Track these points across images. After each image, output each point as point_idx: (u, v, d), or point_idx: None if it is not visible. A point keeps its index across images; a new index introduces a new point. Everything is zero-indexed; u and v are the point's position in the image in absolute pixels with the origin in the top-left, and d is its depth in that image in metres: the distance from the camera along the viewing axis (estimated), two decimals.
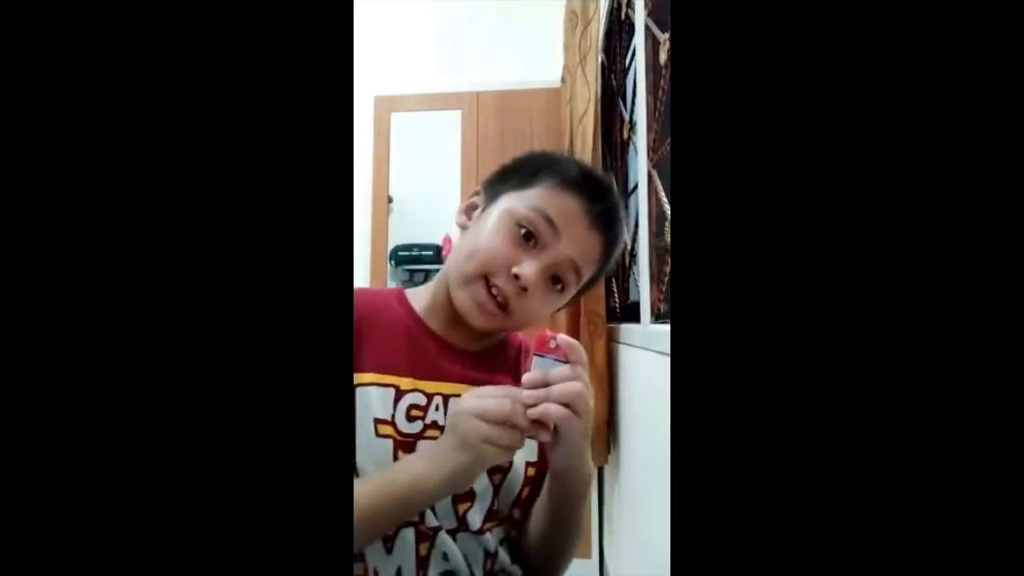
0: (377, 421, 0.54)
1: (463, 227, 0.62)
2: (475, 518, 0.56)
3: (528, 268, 0.54)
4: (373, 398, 0.54)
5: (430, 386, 0.57)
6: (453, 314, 0.59)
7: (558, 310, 0.63)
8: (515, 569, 0.60)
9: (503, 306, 0.55)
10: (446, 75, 2.37)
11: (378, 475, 0.51)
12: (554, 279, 0.57)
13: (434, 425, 0.56)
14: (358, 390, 0.54)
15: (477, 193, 0.63)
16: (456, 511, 0.56)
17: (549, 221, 0.55)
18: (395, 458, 0.53)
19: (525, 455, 0.59)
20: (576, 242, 0.56)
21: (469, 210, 0.62)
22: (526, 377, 0.47)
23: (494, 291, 0.55)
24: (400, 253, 2.32)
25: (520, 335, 0.68)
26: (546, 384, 0.46)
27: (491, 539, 0.58)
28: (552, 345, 0.47)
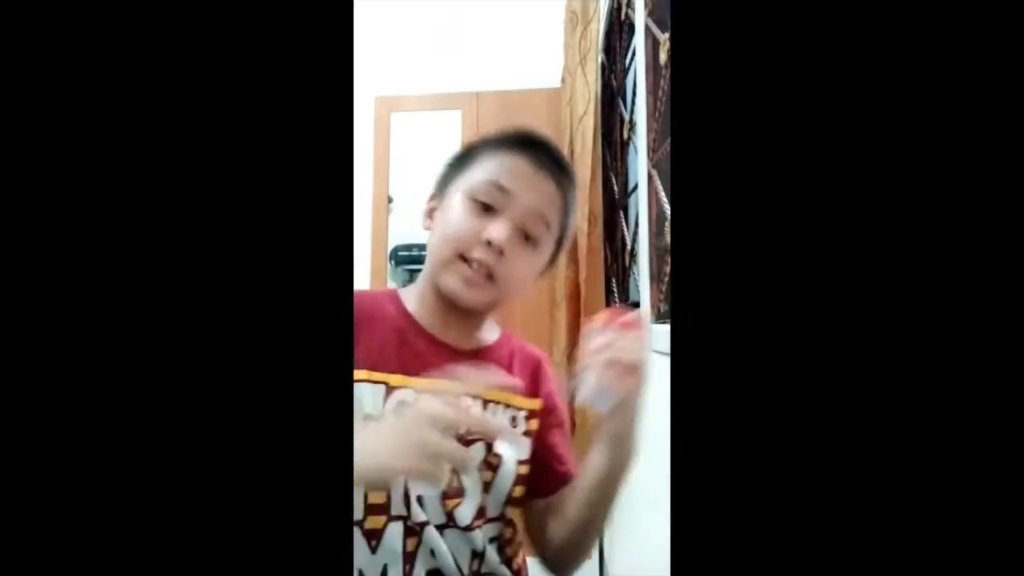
0: (366, 418, 0.54)
1: (428, 229, 0.65)
2: (464, 514, 0.56)
3: (496, 230, 0.56)
4: (364, 394, 0.55)
5: (421, 383, 0.57)
6: (444, 311, 0.61)
7: (543, 272, 0.65)
8: (503, 569, 0.60)
9: (488, 276, 0.57)
10: (446, 75, 2.37)
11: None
12: (525, 237, 0.59)
13: None
14: None
15: (433, 197, 0.66)
16: (444, 507, 0.56)
17: (499, 186, 0.58)
18: None
19: (517, 453, 0.59)
20: (531, 193, 0.59)
21: (430, 212, 0.65)
22: (593, 338, 0.49)
23: (474, 265, 0.57)
24: (400, 253, 2.32)
25: (514, 339, 0.68)
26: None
27: (479, 537, 0.57)
28: (625, 319, 0.50)
